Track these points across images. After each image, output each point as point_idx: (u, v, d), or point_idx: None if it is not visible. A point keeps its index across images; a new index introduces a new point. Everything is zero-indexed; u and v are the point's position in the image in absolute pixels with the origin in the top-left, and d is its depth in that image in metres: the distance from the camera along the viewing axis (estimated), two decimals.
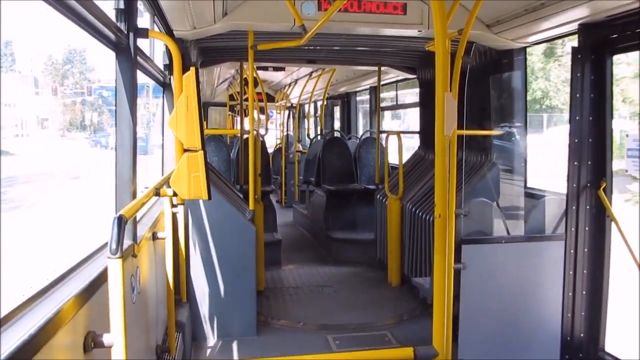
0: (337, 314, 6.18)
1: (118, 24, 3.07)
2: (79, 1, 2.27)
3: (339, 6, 3.97)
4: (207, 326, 5.37)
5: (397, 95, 11.52)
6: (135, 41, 3.22)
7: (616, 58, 4.44)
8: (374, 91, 11.08)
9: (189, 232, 5.21)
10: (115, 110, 3.17)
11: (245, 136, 8.13)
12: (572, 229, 4.53)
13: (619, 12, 4.01)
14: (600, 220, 4.43)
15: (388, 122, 15.27)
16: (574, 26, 4.49)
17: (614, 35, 4.25)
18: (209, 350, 5.25)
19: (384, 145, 7.99)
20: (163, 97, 5.12)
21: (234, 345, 5.29)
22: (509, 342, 4.65)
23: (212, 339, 5.38)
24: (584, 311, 4.50)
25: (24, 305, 1.99)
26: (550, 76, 17.94)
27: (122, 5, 3.12)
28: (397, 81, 10.45)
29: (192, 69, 3.36)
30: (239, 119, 10.18)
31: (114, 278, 2.21)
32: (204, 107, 14.55)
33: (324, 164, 9.95)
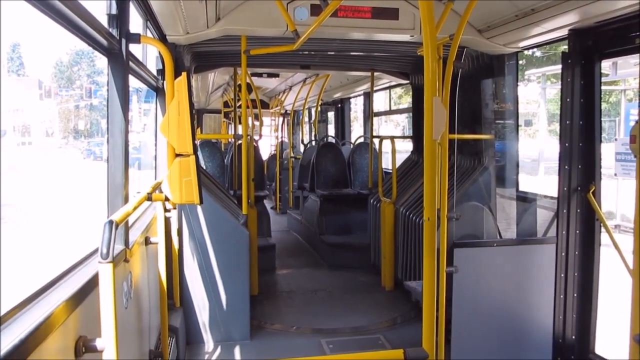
0: (330, 318, 6.19)
1: (110, 30, 3.08)
2: (69, 7, 2.28)
3: (331, 11, 3.98)
4: (200, 331, 5.36)
5: (390, 100, 11.56)
6: (127, 46, 3.23)
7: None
8: (368, 97, 11.13)
9: (182, 236, 5.22)
10: (108, 115, 3.19)
11: (239, 142, 8.15)
12: (563, 232, 4.57)
13: (609, 17, 4.05)
14: (590, 223, 4.47)
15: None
16: (564, 31, 4.53)
17: (604, 41, 4.30)
18: (202, 355, 5.24)
19: (377, 150, 8.01)
20: (156, 101, 5.13)
21: (228, 350, 5.29)
22: (501, 344, 4.67)
23: (205, 344, 5.37)
24: (574, 313, 4.53)
25: (14, 310, 2.00)
26: None
27: (114, 11, 3.13)
28: (389, 87, 10.49)
29: (184, 74, 3.37)
30: (233, 126, 10.19)
31: (104, 282, 2.22)
32: (198, 114, 14.53)
33: (317, 169, 9.94)
